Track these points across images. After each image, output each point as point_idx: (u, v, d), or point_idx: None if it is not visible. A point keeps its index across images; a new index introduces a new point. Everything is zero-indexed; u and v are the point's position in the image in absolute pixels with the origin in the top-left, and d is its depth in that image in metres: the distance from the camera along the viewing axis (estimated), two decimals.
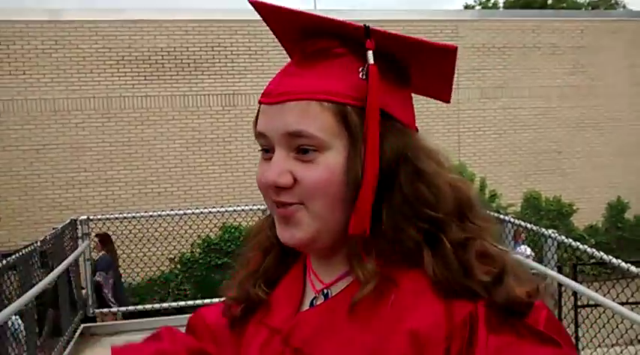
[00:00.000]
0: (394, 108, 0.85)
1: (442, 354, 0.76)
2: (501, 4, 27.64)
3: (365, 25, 0.82)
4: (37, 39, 10.97)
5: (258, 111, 0.88)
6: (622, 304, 4.25)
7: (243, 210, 6.74)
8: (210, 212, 7.08)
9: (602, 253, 4.37)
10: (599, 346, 4.99)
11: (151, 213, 6.71)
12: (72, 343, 5.60)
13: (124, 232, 6.85)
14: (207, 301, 6.73)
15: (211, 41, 11.66)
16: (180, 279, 10.67)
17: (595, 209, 13.21)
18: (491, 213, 6.64)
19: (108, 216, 6.96)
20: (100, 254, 7.75)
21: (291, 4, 0.89)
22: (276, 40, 0.94)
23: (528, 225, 5.46)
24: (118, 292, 7.80)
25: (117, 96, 11.32)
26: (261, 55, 11.60)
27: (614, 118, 13.69)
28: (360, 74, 0.83)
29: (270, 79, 0.90)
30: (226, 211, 7.07)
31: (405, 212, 0.82)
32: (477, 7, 27.48)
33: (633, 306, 5.02)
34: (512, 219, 5.67)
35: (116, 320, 6.88)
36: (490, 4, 27.83)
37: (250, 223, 6.10)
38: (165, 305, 7.35)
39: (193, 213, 7.00)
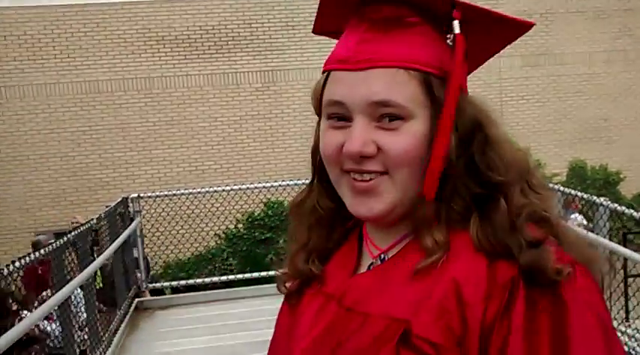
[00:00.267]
0: (464, 78, 0.87)
1: (480, 313, 0.77)
2: None
3: None
4: (79, 22, 11.17)
5: (326, 79, 0.87)
6: None
7: (287, 185, 6.79)
8: (255, 188, 7.18)
9: None
10: None
11: (199, 190, 6.85)
12: (128, 316, 5.81)
13: (173, 209, 6.99)
14: (255, 275, 6.88)
15: (248, 18, 11.67)
16: (225, 254, 10.87)
17: None
18: None
19: (158, 193, 7.12)
20: None
21: None
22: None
23: (579, 194, 5.36)
24: None
25: (158, 76, 11.47)
26: (299, 31, 11.54)
27: None
28: (449, 41, 0.84)
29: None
30: (271, 186, 7.15)
31: (466, 178, 0.84)
32: None
33: None
34: (561, 188, 5.57)
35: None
36: None
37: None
38: (214, 279, 7.52)
39: (240, 189, 7.09)
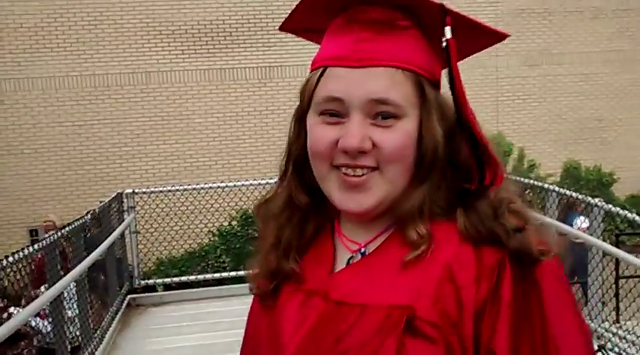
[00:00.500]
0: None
1: (473, 294, 0.83)
2: None
3: (441, 3, 0.87)
4: (77, 15, 11.10)
5: (320, 75, 0.88)
6: None
7: None
8: (250, 185, 7.15)
9: None
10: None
11: (193, 186, 6.82)
12: (120, 313, 5.79)
13: (168, 205, 6.97)
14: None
15: (247, 13, 11.63)
16: (219, 252, 10.84)
17: (637, 178, 12.88)
18: (535, 182, 6.57)
19: (152, 189, 7.09)
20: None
21: None
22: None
23: (573, 194, 5.37)
24: None
25: (155, 71, 11.42)
26: None
27: None
28: (443, 43, 0.87)
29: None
30: (267, 183, 7.12)
31: (451, 173, 0.89)
32: None
33: None
34: (556, 188, 5.57)
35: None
36: None
37: None
38: (207, 276, 7.50)
39: (235, 185, 7.07)
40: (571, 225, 5.93)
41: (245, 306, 1.10)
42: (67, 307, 4.33)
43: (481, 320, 0.82)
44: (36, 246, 3.72)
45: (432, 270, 0.85)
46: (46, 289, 3.83)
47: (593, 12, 12.93)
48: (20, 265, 3.46)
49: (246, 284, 1.06)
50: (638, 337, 4.75)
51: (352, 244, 0.94)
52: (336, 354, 0.86)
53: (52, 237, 4.02)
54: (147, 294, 6.65)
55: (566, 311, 0.85)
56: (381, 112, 0.85)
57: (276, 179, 1.05)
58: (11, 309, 4.19)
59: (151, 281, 7.09)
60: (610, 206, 4.97)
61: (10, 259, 3.22)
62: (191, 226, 7.51)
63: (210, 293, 6.52)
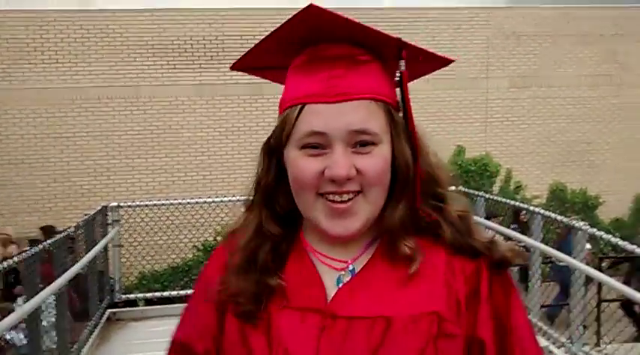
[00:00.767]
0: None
1: (464, 295, 0.96)
2: None
3: (399, 38, 0.95)
4: (69, 28, 11.11)
5: (299, 113, 0.93)
6: None
7: None
8: (237, 200, 7.12)
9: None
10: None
11: (179, 201, 6.79)
12: (99, 327, 5.71)
13: (153, 219, 6.93)
14: None
15: (240, 30, 11.67)
16: (202, 267, 10.75)
17: (622, 202, 12.96)
18: (521, 204, 6.59)
19: (138, 203, 7.06)
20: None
21: None
22: None
23: (558, 217, 5.38)
24: None
25: (146, 84, 11.42)
26: None
27: None
28: (397, 76, 0.97)
29: None
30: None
31: (425, 191, 0.99)
32: None
33: None
34: (542, 211, 5.59)
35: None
36: None
37: None
38: (189, 292, 7.41)
39: (222, 201, 7.04)
40: (570, 247, 5.85)
41: None
42: (42, 318, 4.27)
43: (469, 313, 0.96)
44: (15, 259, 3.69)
45: (436, 278, 0.97)
46: (24, 302, 3.79)
47: (581, 37, 13.09)
48: None
49: None
50: None
51: (336, 263, 0.99)
52: None
53: (32, 251, 3.98)
54: (127, 309, 6.58)
55: (521, 303, 1.01)
56: (360, 141, 0.93)
57: None
58: None
59: (132, 296, 7.01)
60: (594, 229, 4.98)
61: None
62: (175, 241, 7.47)
63: None
